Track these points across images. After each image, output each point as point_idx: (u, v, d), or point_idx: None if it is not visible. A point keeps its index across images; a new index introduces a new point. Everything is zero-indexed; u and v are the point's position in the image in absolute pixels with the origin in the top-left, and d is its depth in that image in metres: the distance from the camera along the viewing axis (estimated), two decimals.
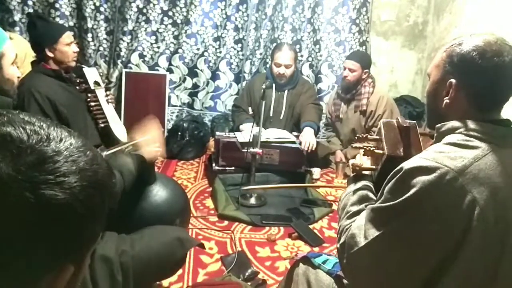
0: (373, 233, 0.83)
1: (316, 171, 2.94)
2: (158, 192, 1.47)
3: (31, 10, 3.02)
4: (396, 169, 0.83)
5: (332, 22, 3.35)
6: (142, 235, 1.32)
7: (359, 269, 0.88)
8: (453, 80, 0.86)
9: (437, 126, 0.90)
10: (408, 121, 1.07)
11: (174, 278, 1.68)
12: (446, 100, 0.88)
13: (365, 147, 1.06)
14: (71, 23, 3.16)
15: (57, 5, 3.07)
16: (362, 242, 0.84)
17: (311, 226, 2.24)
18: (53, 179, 0.36)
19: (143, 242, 1.29)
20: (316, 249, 2.03)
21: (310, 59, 3.45)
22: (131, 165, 1.30)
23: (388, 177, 0.85)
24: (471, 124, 0.83)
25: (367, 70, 2.92)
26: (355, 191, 1.03)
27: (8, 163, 0.35)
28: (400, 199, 0.79)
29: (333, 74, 3.47)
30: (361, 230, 0.86)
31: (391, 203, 0.81)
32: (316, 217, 2.33)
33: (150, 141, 1.44)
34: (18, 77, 1.25)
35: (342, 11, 3.33)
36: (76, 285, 0.44)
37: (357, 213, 0.95)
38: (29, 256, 0.36)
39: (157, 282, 1.64)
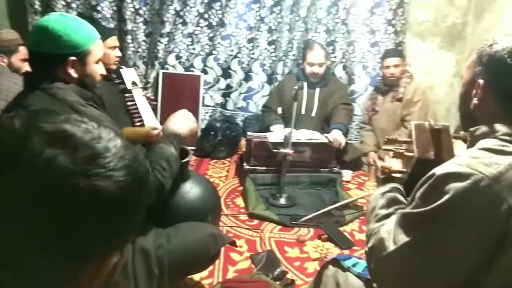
0: (403, 238, 0.82)
1: (347, 174, 2.91)
2: (192, 189, 1.52)
3: (75, 13, 3.18)
4: (428, 174, 0.82)
5: (367, 23, 3.31)
6: (178, 230, 1.37)
7: (387, 274, 0.88)
8: (481, 81, 0.85)
9: (470, 130, 0.88)
10: (441, 123, 1.05)
11: (205, 273, 1.73)
12: (475, 101, 0.87)
13: (395, 149, 1.05)
14: (112, 25, 3.29)
15: (99, 8, 3.21)
16: (391, 247, 0.84)
17: (341, 229, 2.23)
18: (104, 173, 0.41)
19: (179, 237, 1.34)
20: (346, 252, 2.02)
21: (343, 60, 3.42)
22: (175, 153, 1.35)
23: (420, 182, 0.84)
24: (506, 129, 0.81)
25: (405, 62, 3.08)
26: (383, 194, 1.02)
27: (66, 156, 0.39)
28: (432, 205, 0.78)
29: (367, 75, 3.43)
30: (391, 234, 0.85)
31: (423, 209, 0.80)
32: (347, 220, 2.32)
33: (183, 120, 1.46)
34: (101, 75, 1.35)
35: (377, 12, 3.28)
36: (117, 272, 0.47)
37: (386, 216, 0.95)
38: (79, 242, 0.40)
39: (189, 276, 1.69)
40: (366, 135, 3.22)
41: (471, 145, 0.87)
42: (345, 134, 2.90)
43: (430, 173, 0.81)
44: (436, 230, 0.78)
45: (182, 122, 1.45)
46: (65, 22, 1.21)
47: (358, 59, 3.39)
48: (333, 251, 2.04)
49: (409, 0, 3.27)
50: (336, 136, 2.75)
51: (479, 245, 0.75)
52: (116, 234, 0.43)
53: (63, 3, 3.21)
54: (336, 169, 2.81)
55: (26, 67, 1.51)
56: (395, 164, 1.09)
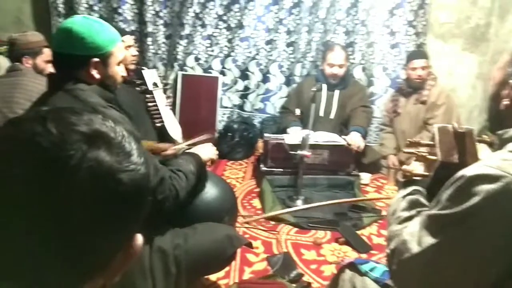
0: (429, 240, 0.80)
1: (366, 176, 2.88)
2: (209, 190, 1.53)
3: (96, 15, 3.24)
4: (456, 176, 0.80)
5: (387, 24, 3.27)
6: (195, 231, 1.38)
7: (410, 277, 0.86)
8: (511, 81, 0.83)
9: (498, 132, 0.86)
10: (465, 127, 1.03)
11: (221, 274, 1.73)
12: (506, 101, 0.85)
13: (417, 152, 1.04)
14: (133, 28, 3.34)
15: (120, 10, 3.27)
16: (415, 249, 0.82)
17: (359, 232, 2.20)
18: (134, 169, 0.44)
19: (196, 238, 1.35)
20: (363, 255, 2.00)
21: (363, 62, 3.39)
22: (193, 170, 1.40)
23: (446, 184, 0.82)
24: None
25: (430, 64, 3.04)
26: (405, 196, 1.00)
27: (107, 155, 0.42)
28: (460, 207, 0.76)
29: (387, 77, 3.39)
30: (414, 236, 0.83)
31: (450, 210, 0.78)
32: (365, 223, 2.29)
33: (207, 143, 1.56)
34: (123, 77, 1.38)
35: (398, 13, 3.23)
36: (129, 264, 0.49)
37: (409, 218, 0.93)
38: (119, 232, 0.44)
39: (205, 276, 1.70)
40: (386, 138, 3.17)
41: (499, 147, 0.85)
42: (364, 137, 2.87)
43: (459, 174, 0.79)
44: (464, 232, 0.76)
45: (205, 150, 1.54)
46: (89, 24, 1.24)
47: (378, 60, 3.35)
48: (351, 254, 2.02)
49: (430, 1, 3.22)
50: (354, 139, 2.73)
51: (508, 247, 0.73)
52: (140, 220, 0.47)
53: (86, 5, 3.28)
54: (354, 172, 2.78)
55: (50, 68, 1.55)
56: (417, 168, 1.08)
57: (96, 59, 1.25)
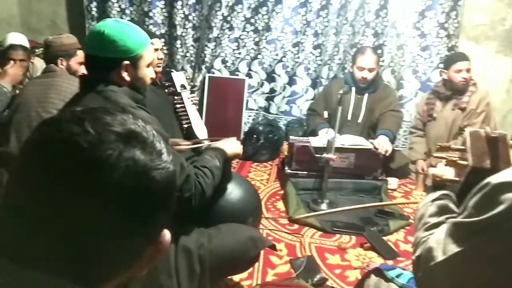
0: (453, 248, 0.78)
1: (393, 181, 2.82)
2: (233, 191, 1.54)
3: (128, 19, 3.33)
4: (483, 183, 0.77)
5: (418, 26, 3.20)
6: (219, 231, 1.39)
7: (435, 284, 0.84)
8: None
9: None
10: (498, 131, 0.99)
11: (244, 275, 1.74)
12: None
13: (447, 157, 1.01)
14: (163, 31, 3.42)
15: (151, 14, 3.35)
16: (440, 257, 0.80)
17: (385, 238, 2.16)
18: (164, 167, 0.46)
19: (220, 238, 1.36)
20: (389, 262, 1.96)
21: (392, 64, 3.33)
22: (218, 165, 1.41)
23: (474, 191, 0.80)
24: None
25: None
26: (433, 201, 0.98)
27: (141, 153, 0.44)
28: (486, 215, 0.73)
29: (417, 80, 3.31)
30: (440, 244, 0.82)
31: (476, 218, 0.76)
32: (391, 229, 2.24)
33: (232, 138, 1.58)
34: (152, 78, 1.42)
35: (429, 15, 3.16)
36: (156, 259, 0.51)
37: (436, 225, 0.91)
38: (151, 226, 0.47)
39: (228, 277, 1.71)
40: (417, 142, 3.06)
41: None
42: (392, 141, 2.80)
43: (485, 181, 0.77)
44: (488, 241, 0.74)
45: (230, 144, 1.55)
46: (120, 28, 1.27)
47: (408, 63, 3.29)
48: (376, 260, 1.98)
49: (463, 3, 3.13)
50: (382, 142, 2.67)
51: None
52: (169, 216, 0.50)
53: (118, 9, 3.38)
54: (382, 176, 2.73)
55: (83, 70, 1.60)
56: (447, 173, 1.05)
57: (127, 62, 1.28)
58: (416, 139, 3.09)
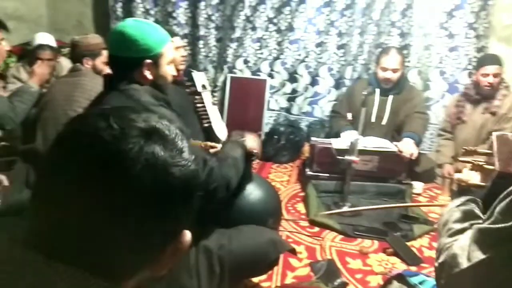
0: (478, 255, 0.76)
1: (418, 186, 2.74)
2: (254, 191, 1.53)
3: (152, 19, 3.38)
4: (510, 189, 0.75)
5: (445, 27, 3.11)
6: (240, 232, 1.39)
7: None
8: None
9: None
10: None
11: (263, 276, 1.73)
12: None
13: (473, 161, 0.98)
14: (186, 31, 3.44)
15: (174, 14, 3.39)
16: (464, 264, 0.78)
17: (409, 244, 2.11)
18: (185, 164, 0.47)
19: (240, 240, 1.36)
20: (413, 268, 1.90)
21: (418, 65, 3.24)
22: (242, 153, 1.42)
23: (501, 197, 0.77)
24: None
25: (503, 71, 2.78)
26: (458, 206, 0.95)
27: (162, 150, 0.45)
28: None
29: (444, 81, 3.22)
30: (465, 251, 0.79)
31: (503, 225, 0.74)
32: (415, 234, 2.18)
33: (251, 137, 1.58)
34: (173, 76, 1.44)
35: (457, 14, 3.06)
36: (180, 258, 0.52)
37: (461, 231, 0.88)
38: (169, 223, 0.47)
39: (248, 279, 1.70)
40: (444, 145, 2.96)
41: None
42: (418, 144, 2.72)
43: None
44: None
45: (249, 139, 1.55)
46: (140, 27, 1.29)
47: (435, 64, 3.20)
48: (399, 266, 1.93)
49: (493, 2, 3.02)
50: (407, 145, 2.61)
51: None
52: (190, 215, 0.50)
53: (142, 9, 3.43)
54: (406, 180, 2.66)
55: (108, 70, 1.64)
56: (473, 177, 1.01)
57: (148, 61, 1.31)
58: (443, 142, 2.99)
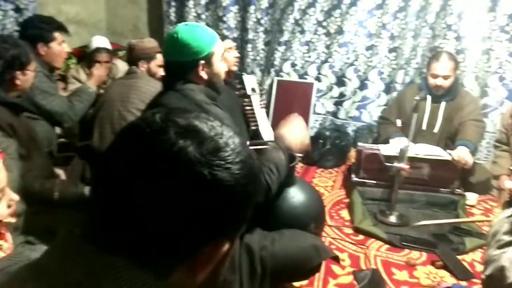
0: None
1: (472, 197, 2.60)
2: (296, 195, 1.53)
3: (203, 23, 3.47)
4: None
5: (506, 30, 2.93)
6: (282, 236, 1.39)
7: None
8: None
9: None
10: None
11: (305, 282, 1.71)
12: None
13: None
14: (235, 35, 3.50)
15: (224, 19, 3.46)
16: None
17: (460, 257, 2.00)
18: (223, 165, 0.46)
19: (282, 243, 1.36)
20: (463, 283, 1.81)
21: (475, 70, 3.07)
22: (283, 158, 1.42)
23: None
24: None
25: None
26: (509, 217, 0.90)
27: (195, 148, 0.45)
28: None
29: (504, 88, 3.03)
30: None
31: None
32: (467, 248, 2.07)
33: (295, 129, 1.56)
34: (225, 74, 1.51)
35: None
36: (226, 262, 0.51)
37: (510, 243, 0.84)
38: (196, 224, 0.46)
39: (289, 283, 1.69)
40: (501, 156, 2.78)
41: None
42: (473, 153, 2.58)
43: None
44: None
45: (293, 131, 1.55)
46: (192, 31, 1.36)
47: (494, 69, 3.02)
48: (448, 280, 1.84)
49: None
50: (461, 154, 2.48)
51: None
52: (228, 222, 0.48)
53: (194, 14, 3.53)
54: (459, 190, 2.53)
55: (162, 72, 1.72)
56: None
57: (202, 61, 1.38)
58: (500, 153, 2.81)
